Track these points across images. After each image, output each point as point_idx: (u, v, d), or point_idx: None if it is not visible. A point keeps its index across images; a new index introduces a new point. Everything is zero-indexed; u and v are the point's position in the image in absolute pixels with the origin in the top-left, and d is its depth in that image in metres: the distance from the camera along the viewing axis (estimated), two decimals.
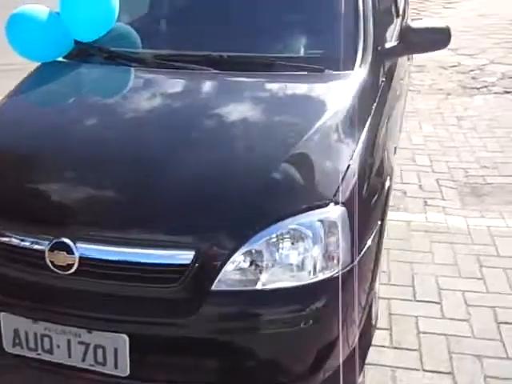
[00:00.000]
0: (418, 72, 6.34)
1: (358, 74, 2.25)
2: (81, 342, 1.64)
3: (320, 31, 2.49)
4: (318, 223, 1.67)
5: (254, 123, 1.99)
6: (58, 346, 1.66)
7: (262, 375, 1.68)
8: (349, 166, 1.83)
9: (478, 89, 5.67)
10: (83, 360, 1.65)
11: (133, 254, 1.62)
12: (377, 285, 2.22)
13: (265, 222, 1.63)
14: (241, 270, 1.62)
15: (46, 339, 1.66)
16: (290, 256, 1.65)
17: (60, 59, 2.61)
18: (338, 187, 1.75)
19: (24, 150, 1.98)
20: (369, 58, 2.33)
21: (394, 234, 3.11)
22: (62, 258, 1.63)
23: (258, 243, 1.62)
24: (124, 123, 2.06)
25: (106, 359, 1.63)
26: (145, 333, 1.63)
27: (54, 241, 1.65)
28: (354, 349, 1.84)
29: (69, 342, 1.64)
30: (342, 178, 1.78)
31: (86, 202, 1.75)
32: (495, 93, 5.52)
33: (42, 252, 1.66)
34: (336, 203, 1.70)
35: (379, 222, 1.93)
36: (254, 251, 1.62)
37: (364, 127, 2.03)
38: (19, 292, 1.72)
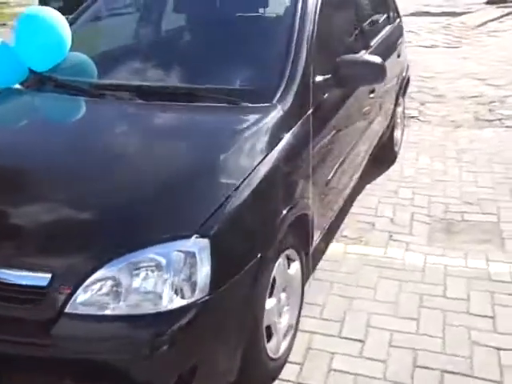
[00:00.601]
0: (435, 102, 6.23)
1: (275, 108, 2.28)
2: None
3: (245, 64, 2.55)
4: (176, 253, 1.71)
5: (140, 153, 2.06)
6: None
7: None
8: (228, 198, 1.86)
9: (490, 121, 5.50)
10: None
11: None
12: (284, 316, 2.23)
13: (122, 249, 1.69)
14: (95, 294, 1.68)
15: None
16: (146, 284, 1.70)
17: (17, 86, 2.78)
18: (207, 219, 1.78)
19: None
20: (292, 91, 2.36)
21: (346, 267, 3.09)
22: None
23: (113, 269, 1.67)
24: (19, 150, 2.16)
25: None
26: (4, 351, 1.71)
27: None
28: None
29: None
30: (216, 211, 1.81)
31: None
32: (507, 126, 5.33)
33: None
34: (200, 235, 1.74)
35: (259, 255, 1.92)
36: (109, 277, 1.68)
37: (263, 161, 2.06)
38: None
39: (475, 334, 2.52)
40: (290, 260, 2.32)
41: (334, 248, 3.27)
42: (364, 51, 3.23)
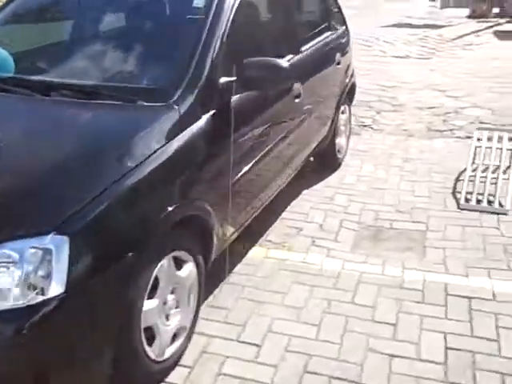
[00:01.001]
0: (392, 111, 6.26)
1: (171, 108, 2.27)
2: None
3: (150, 64, 2.56)
4: (32, 250, 1.69)
5: (18, 148, 2.05)
6: None
7: None
8: (97, 196, 1.85)
9: (442, 131, 5.53)
10: None
11: None
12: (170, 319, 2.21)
13: None
14: None
15: None
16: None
17: None
18: (70, 217, 1.77)
19: None
20: (193, 92, 2.36)
21: (262, 271, 3.08)
22: None
23: None
24: None
25: None
26: None
27: None
28: None
29: None
30: (82, 209, 1.80)
31: None
32: (457, 137, 5.35)
33: None
34: (59, 233, 1.72)
35: (131, 255, 1.90)
36: None
37: (146, 160, 2.05)
38: None
39: (373, 341, 2.51)
40: (182, 262, 2.30)
41: (254, 252, 3.26)
42: (291, 56, 3.24)
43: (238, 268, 3.09)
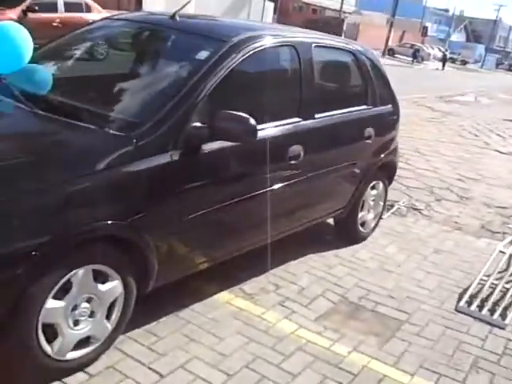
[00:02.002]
0: (454, 202, 6.05)
1: (128, 139, 2.52)
2: None
3: (133, 98, 2.88)
4: None
5: None
6: None
7: None
8: (24, 193, 2.16)
9: (493, 232, 5.26)
10: None
11: None
12: None
13: None
14: None
15: None
16: None
17: None
18: None
19: None
20: (157, 130, 2.60)
21: (214, 314, 3.16)
22: None
23: None
24: None
25: None
26: None
27: None
28: None
29: None
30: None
31: None
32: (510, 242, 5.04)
33: None
34: None
35: (34, 253, 2.14)
36: None
37: (88, 176, 2.33)
38: None
39: None
40: (106, 277, 2.50)
41: (220, 295, 3.37)
42: (296, 120, 3.39)
43: (196, 305, 3.22)
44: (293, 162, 3.35)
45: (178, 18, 3.36)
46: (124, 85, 3.00)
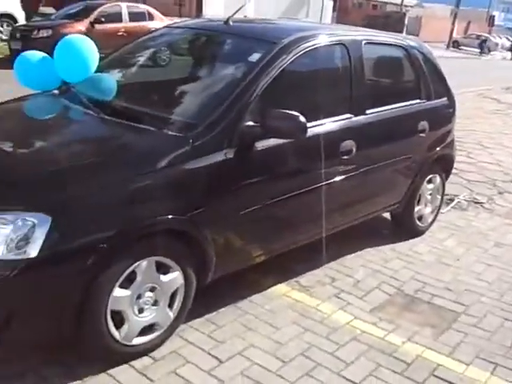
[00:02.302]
0: None
1: (185, 139, 2.70)
2: None
3: (191, 101, 3.07)
4: (21, 220, 2.25)
5: (62, 146, 2.72)
6: None
7: None
8: (95, 191, 2.39)
9: None
10: None
11: None
12: None
13: None
14: None
15: None
16: None
17: (53, 91, 3.59)
18: (59, 202, 2.32)
19: None
20: (212, 131, 2.77)
21: (271, 305, 3.30)
22: None
23: None
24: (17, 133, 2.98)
25: None
26: None
27: None
28: None
29: None
30: (71, 199, 2.34)
31: None
32: None
33: None
34: (45, 212, 2.26)
35: (103, 246, 2.36)
36: None
37: (150, 173, 2.55)
38: None
39: None
40: (168, 268, 2.69)
41: (277, 288, 3.49)
42: (347, 116, 3.47)
43: (253, 297, 3.36)
44: (345, 157, 3.43)
45: (231, 23, 3.52)
46: (181, 88, 3.20)
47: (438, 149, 4.36)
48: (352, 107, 3.51)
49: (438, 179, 4.56)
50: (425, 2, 54.39)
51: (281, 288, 3.51)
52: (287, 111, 2.83)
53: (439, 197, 4.68)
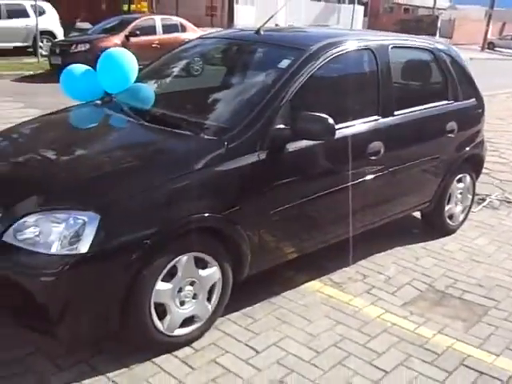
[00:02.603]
0: None
1: (220, 142, 2.89)
2: None
3: (225, 107, 3.26)
4: (73, 218, 2.46)
5: (106, 150, 2.98)
6: None
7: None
8: (138, 191, 2.60)
9: None
10: None
11: None
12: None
13: (44, 207, 2.53)
14: (23, 229, 2.51)
15: None
16: (49, 233, 2.46)
17: (96, 101, 3.83)
18: (108, 202, 2.53)
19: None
20: (245, 134, 2.94)
21: (305, 300, 3.44)
22: None
23: (34, 218, 2.50)
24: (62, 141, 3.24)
25: None
26: None
27: None
28: None
29: None
30: (119, 198, 2.55)
31: None
32: None
33: None
34: (94, 211, 2.47)
35: (147, 242, 2.55)
36: (31, 222, 2.50)
37: (188, 174, 2.74)
38: None
39: (357, 379, 2.74)
40: (205, 263, 2.87)
41: (311, 284, 3.63)
42: (375, 117, 3.60)
43: (287, 293, 3.51)
44: (373, 157, 3.56)
45: (262, 33, 3.71)
46: (216, 95, 3.41)
47: (467, 149, 4.43)
48: (379, 109, 3.63)
49: (467, 179, 4.63)
50: (458, 4, 53.78)
51: (314, 284, 3.65)
52: (316, 114, 2.98)
53: (470, 196, 4.74)
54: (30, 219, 2.50)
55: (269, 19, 3.85)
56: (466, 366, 2.90)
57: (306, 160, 3.21)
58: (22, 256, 2.48)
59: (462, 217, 4.74)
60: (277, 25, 20.08)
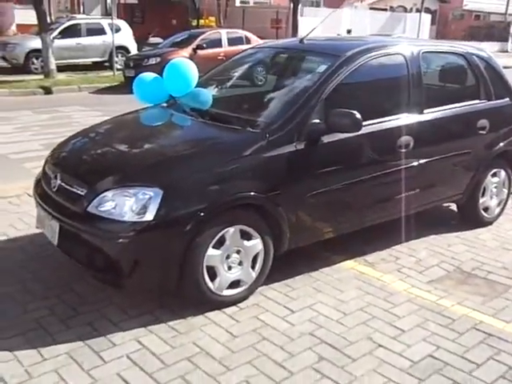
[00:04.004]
0: None
1: (262, 134, 3.44)
2: None
3: (269, 105, 3.82)
4: (142, 193, 3.08)
5: (165, 140, 3.63)
6: None
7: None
8: (196, 173, 3.20)
9: None
10: None
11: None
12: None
13: (119, 184, 3.17)
14: (103, 202, 3.15)
15: None
16: (125, 204, 3.10)
17: (163, 104, 4.49)
18: (169, 180, 3.14)
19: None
20: (284, 128, 3.48)
21: (339, 275, 3.91)
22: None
23: (111, 193, 3.14)
24: (129, 135, 3.89)
25: None
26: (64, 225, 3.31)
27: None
28: None
29: None
30: (180, 179, 3.17)
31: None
32: None
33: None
34: (158, 187, 3.08)
35: (201, 214, 3.13)
36: (109, 196, 3.15)
37: (234, 160, 3.31)
38: None
39: (377, 334, 3.19)
40: (250, 236, 3.41)
41: (346, 263, 4.09)
42: (406, 114, 4.05)
43: (324, 269, 3.99)
44: (403, 150, 4.00)
45: (305, 42, 4.25)
46: (262, 96, 4.01)
47: (501, 145, 4.75)
48: (409, 108, 4.07)
49: (502, 173, 4.93)
50: None
51: (349, 263, 4.11)
52: (345, 109, 3.48)
53: (505, 190, 5.04)
54: (109, 194, 3.14)
55: (311, 31, 4.38)
56: (477, 329, 3.28)
57: (338, 151, 3.69)
58: (102, 223, 3.12)
59: (497, 210, 5.03)
60: (338, 34, 20.57)
